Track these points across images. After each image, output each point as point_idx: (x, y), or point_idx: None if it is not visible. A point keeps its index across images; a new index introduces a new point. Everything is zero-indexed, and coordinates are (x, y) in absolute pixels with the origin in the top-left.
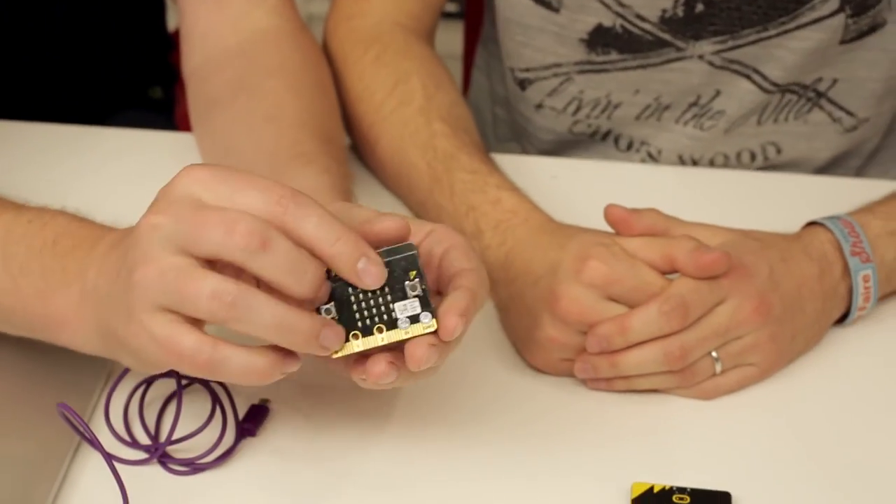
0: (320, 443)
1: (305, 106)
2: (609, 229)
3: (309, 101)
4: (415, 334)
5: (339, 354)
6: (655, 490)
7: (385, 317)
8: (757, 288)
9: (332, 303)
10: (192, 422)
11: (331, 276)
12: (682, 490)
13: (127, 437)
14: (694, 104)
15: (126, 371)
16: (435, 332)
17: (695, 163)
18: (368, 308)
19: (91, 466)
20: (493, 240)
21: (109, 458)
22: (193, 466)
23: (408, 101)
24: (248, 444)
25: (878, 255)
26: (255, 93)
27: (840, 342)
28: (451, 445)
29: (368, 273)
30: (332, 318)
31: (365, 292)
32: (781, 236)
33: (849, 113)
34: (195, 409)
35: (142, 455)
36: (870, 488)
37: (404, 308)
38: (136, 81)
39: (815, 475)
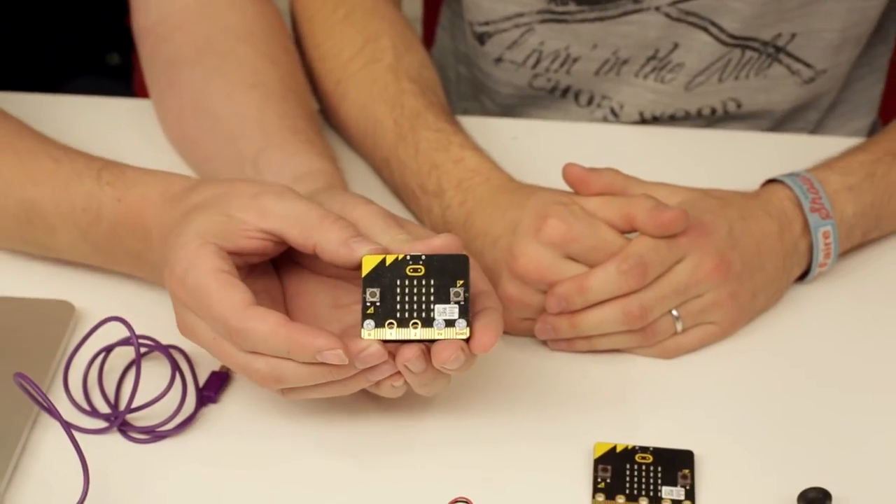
0: (281, 408)
1: (282, 76)
2: (569, 189)
3: (285, 70)
4: (447, 337)
5: (371, 337)
6: (618, 450)
7: (423, 314)
8: (716, 246)
9: (378, 289)
10: (153, 390)
11: (385, 264)
12: (644, 449)
13: (86, 406)
14: (652, 58)
15: (84, 340)
16: (466, 340)
17: (655, 119)
18: (410, 302)
19: (51, 436)
20: (455, 199)
21: (68, 427)
22: (154, 434)
23: (377, 58)
24: (209, 410)
25: (838, 211)
26: (228, 57)
27: (801, 299)
28: (411, 410)
29: (327, 359)
30: (374, 303)
31: (411, 287)
32: (741, 194)
33: (807, 65)
34: (155, 376)
35: (102, 424)
36: (832, 444)
37: (443, 311)
38: (92, 47)
39: (776, 432)
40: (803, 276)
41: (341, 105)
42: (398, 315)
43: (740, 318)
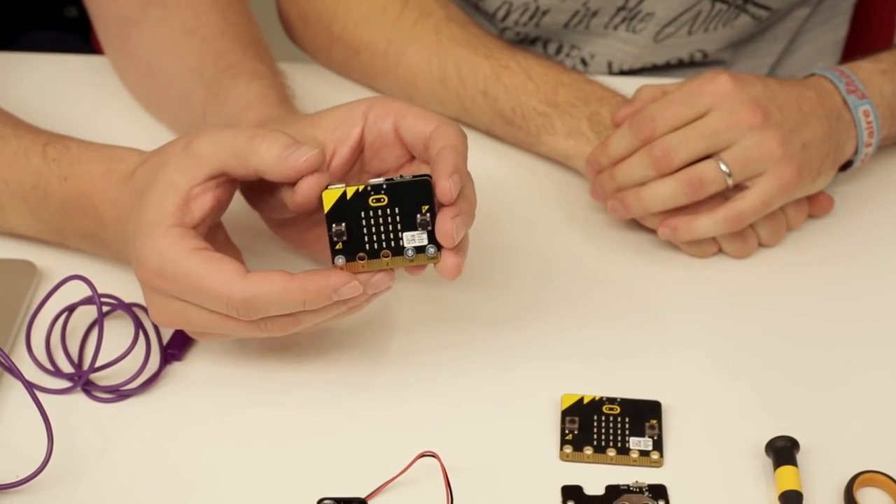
0: (246, 365)
1: (222, 13)
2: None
3: (225, 8)
4: (418, 264)
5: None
6: (585, 401)
7: (392, 244)
8: (749, 95)
9: (344, 224)
10: (117, 348)
11: (346, 198)
12: (612, 400)
13: (50, 367)
14: (622, 8)
15: (46, 299)
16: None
17: (623, 74)
18: (378, 233)
19: (14, 397)
20: (603, 110)
21: (31, 387)
22: (118, 393)
23: (427, 12)
24: (174, 368)
25: (875, 92)
26: (169, 7)
27: (769, 252)
28: (377, 364)
29: (343, 295)
30: (342, 238)
31: (376, 217)
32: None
33: (767, 8)
34: (119, 335)
35: (65, 384)
36: (799, 394)
37: (412, 238)
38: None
39: (744, 381)
40: (848, 166)
41: (401, 60)
42: (367, 247)
43: (795, 170)
